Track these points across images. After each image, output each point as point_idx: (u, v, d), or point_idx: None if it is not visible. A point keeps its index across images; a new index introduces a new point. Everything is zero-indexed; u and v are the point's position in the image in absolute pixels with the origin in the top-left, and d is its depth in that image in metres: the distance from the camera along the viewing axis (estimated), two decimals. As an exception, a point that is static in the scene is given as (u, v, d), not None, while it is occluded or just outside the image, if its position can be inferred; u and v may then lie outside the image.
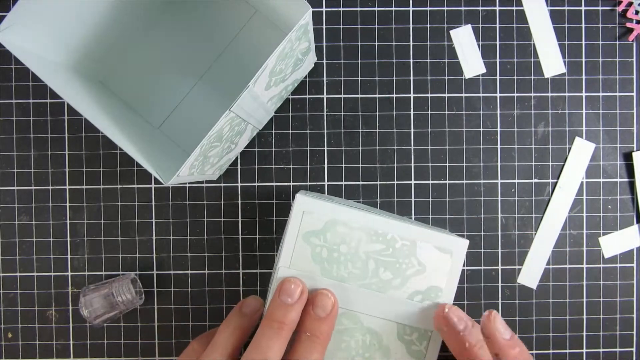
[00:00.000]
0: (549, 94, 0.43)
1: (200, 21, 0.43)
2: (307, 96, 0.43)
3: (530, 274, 0.43)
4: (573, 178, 0.43)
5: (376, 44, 0.43)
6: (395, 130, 0.43)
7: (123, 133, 0.34)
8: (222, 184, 0.43)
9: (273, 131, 0.43)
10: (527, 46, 0.43)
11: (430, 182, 0.43)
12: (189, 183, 0.43)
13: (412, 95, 0.43)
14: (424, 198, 0.43)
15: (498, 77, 0.43)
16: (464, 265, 0.43)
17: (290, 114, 0.43)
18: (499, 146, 0.43)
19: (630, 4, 0.43)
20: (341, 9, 0.43)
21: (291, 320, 0.33)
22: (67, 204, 0.43)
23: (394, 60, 0.43)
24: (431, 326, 0.36)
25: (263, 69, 0.31)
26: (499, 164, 0.43)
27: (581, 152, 0.43)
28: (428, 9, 0.43)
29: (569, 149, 0.43)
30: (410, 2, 0.43)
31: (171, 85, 0.43)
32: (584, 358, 0.43)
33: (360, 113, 0.43)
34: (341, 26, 0.43)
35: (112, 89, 0.43)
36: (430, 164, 0.43)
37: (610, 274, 0.44)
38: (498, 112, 0.43)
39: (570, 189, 0.43)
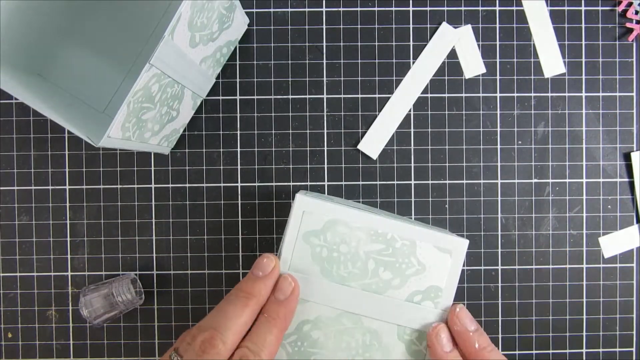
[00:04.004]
0: (549, 94, 0.43)
1: (126, 6, 0.43)
2: (307, 96, 0.43)
3: (371, 144, 0.43)
4: (433, 58, 0.43)
5: (376, 44, 0.43)
6: (395, 130, 0.43)
7: (55, 109, 0.34)
8: (222, 184, 0.43)
9: (273, 131, 0.43)
10: (527, 46, 0.43)
11: (430, 182, 0.43)
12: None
13: (412, 95, 0.43)
14: (424, 198, 0.43)
15: (498, 77, 0.43)
16: (463, 265, 0.43)
17: (290, 114, 0.43)
18: (499, 146, 0.43)
19: (630, 4, 0.43)
20: (341, 9, 0.43)
21: (258, 292, 0.34)
22: (67, 204, 0.43)
23: (394, 61, 0.43)
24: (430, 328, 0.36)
25: (177, 17, 0.30)
26: (499, 164, 0.43)
27: (446, 37, 0.43)
28: (428, 9, 0.43)
29: (568, 149, 0.43)
30: (410, 2, 0.43)
31: (109, 70, 0.43)
32: (584, 358, 0.43)
33: (360, 113, 0.43)
34: (341, 26, 0.43)
35: (51, 81, 0.43)
36: (430, 164, 0.43)
37: (610, 274, 0.44)
38: (498, 112, 0.43)
39: (426, 70, 0.43)
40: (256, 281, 0.34)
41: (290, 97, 0.43)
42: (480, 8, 0.43)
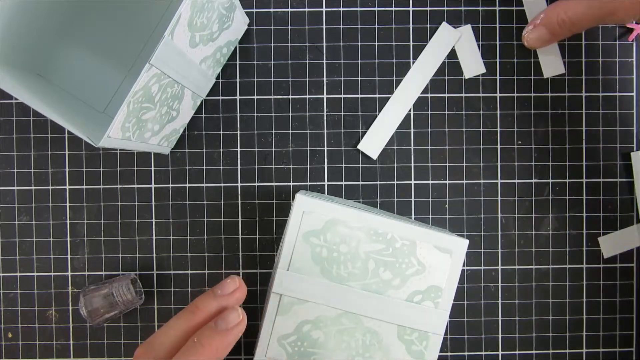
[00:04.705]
0: (549, 94, 0.43)
1: (126, 6, 0.43)
2: (307, 96, 0.43)
3: (371, 144, 0.43)
4: (432, 58, 0.43)
5: (376, 44, 0.43)
6: (395, 130, 0.43)
7: (55, 108, 0.34)
8: (222, 184, 0.43)
9: (273, 131, 0.43)
10: (527, 46, 0.43)
11: (430, 182, 0.43)
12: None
13: (412, 95, 0.43)
14: (424, 198, 0.43)
15: (498, 77, 0.43)
16: (463, 265, 0.43)
17: (290, 114, 0.43)
18: (499, 146, 0.43)
19: (630, 4, 0.43)
20: (341, 9, 0.43)
21: (204, 307, 0.32)
22: (67, 204, 0.43)
23: (394, 60, 0.43)
24: (430, 328, 0.36)
25: (177, 17, 0.30)
26: (499, 164, 0.43)
27: (446, 37, 0.43)
28: (428, 9, 0.43)
29: (568, 149, 0.43)
30: (410, 2, 0.43)
31: (109, 69, 0.43)
32: (584, 358, 0.43)
33: (360, 113, 0.43)
34: (341, 26, 0.43)
35: (51, 81, 0.43)
36: (430, 164, 0.43)
37: (610, 274, 0.44)
38: (498, 112, 0.43)
39: (426, 70, 0.43)
40: (211, 298, 0.32)
41: (290, 97, 0.43)
42: (480, 8, 0.43)
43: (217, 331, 0.31)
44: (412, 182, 0.43)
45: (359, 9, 0.43)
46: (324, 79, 0.43)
